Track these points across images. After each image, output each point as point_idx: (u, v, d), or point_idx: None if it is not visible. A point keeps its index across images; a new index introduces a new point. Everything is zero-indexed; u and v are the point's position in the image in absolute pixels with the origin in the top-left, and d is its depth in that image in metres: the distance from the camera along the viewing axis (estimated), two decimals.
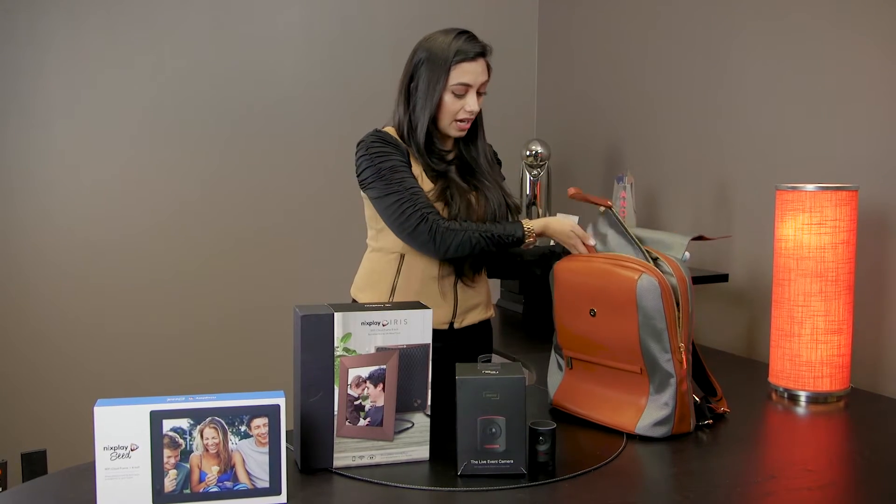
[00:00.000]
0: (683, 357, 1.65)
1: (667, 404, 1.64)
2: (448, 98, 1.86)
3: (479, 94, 1.89)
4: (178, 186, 3.07)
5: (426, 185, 1.88)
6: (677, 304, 1.65)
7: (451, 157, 1.94)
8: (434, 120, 1.88)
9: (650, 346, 1.63)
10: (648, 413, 1.65)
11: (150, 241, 3.05)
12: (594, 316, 1.69)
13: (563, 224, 1.87)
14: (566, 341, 1.79)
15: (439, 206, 1.86)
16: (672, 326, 1.63)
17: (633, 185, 2.73)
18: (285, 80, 3.19)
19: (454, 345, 1.95)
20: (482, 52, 1.88)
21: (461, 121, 1.88)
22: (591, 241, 1.83)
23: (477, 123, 1.97)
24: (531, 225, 1.88)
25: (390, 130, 1.93)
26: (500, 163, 2.09)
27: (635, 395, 1.67)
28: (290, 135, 3.21)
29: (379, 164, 1.83)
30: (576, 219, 2.92)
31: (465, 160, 1.97)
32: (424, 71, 1.86)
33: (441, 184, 1.89)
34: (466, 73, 1.85)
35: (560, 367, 1.83)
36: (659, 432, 1.64)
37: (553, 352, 1.86)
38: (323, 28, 3.23)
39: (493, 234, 1.83)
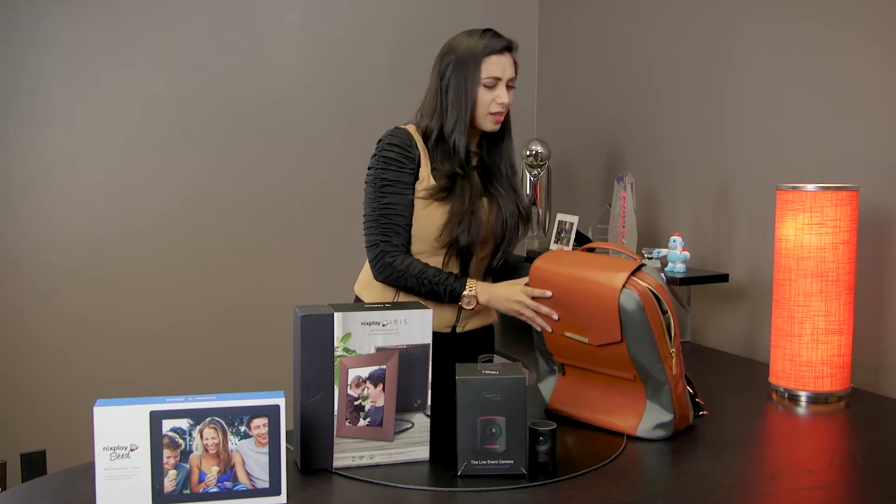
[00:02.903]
0: (674, 362, 1.63)
1: (665, 408, 1.63)
2: (480, 92, 1.86)
3: (509, 88, 1.90)
4: (179, 186, 3.07)
5: (430, 183, 1.86)
6: (662, 312, 1.61)
7: (475, 160, 1.93)
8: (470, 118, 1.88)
9: (639, 357, 1.61)
10: (648, 416, 1.64)
11: (150, 240, 3.05)
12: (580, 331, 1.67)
13: (510, 293, 1.79)
14: (556, 348, 1.76)
15: (426, 204, 1.84)
16: (660, 335, 1.60)
17: (633, 185, 2.73)
18: (285, 80, 3.19)
19: (456, 348, 1.95)
20: (509, 47, 1.89)
21: (495, 113, 1.88)
22: (553, 315, 1.72)
23: (504, 124, 1.96)
24: (474, 291, 1.84)
25: (412, 128, 1.92)
26: (515, 173, 2.08)
27: (633, 400, 1.66)
28: (290, 134, 3.21)
29: (378, 171, 1.87)
30: (575, 219, 2.93)
31: (486, 163, 1.96)
32: (455, 72, 1.87)
33: (446, 182, 1.86)
34: (496, 65, 1.86)
35: (553, 371, 1.81)
36: (659, 434, 1.63)
37: (540, 357, 1.82)
38: (323, 28, 3.23)
39: (430, 284, 1.84)
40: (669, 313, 1.62)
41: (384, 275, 1.86)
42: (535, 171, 3.14)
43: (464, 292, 1.84)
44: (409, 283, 1.84)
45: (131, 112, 2.99)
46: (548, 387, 1.81)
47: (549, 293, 1.71)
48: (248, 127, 3.15)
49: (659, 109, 2.88)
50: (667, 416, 1.63)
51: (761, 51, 2.45)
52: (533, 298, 1.75)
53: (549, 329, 1.74)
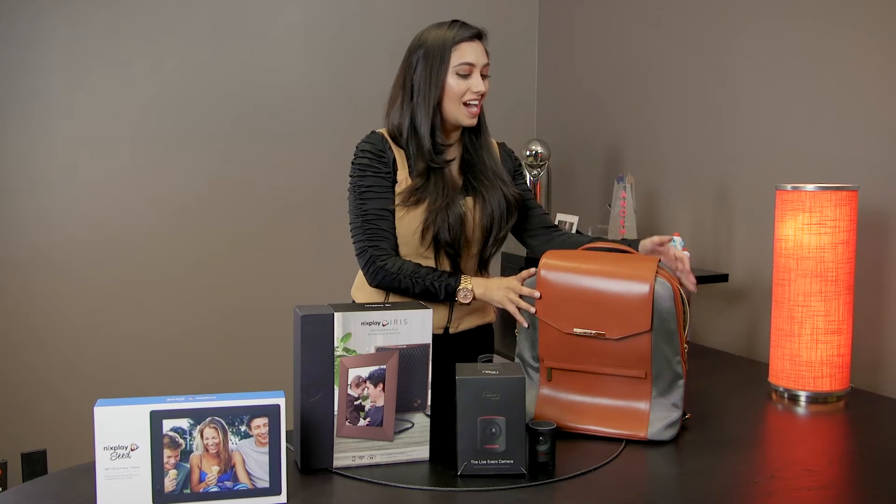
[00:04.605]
0: (685, 356, 1.65)
1: (675, 405, 1.63)
2: (452, 80, 1.84)
3: (484, 77, 1.87)
4: (179, 186, 3.08)
5: (410, 183, 1.86)
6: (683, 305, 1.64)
7: (450, 155, 1.91)
8: (439, 110, 1.86)
9: (663, 349, 1.61)
10: (657, 417, 1.62)
11: (150, 240, 3.05)
12: (597, 323, 1.64)
13: (500, 287, 1.78)
14: (551, 351, 1.69)
15: (401, 211, 1.84)
16: (681, 328, 1.62)
17: (633, 185, 2.73)
18: (285, 80, 3.19)
19: (451, 349, 1.92)
20: (479, 35, 1.88)
21: (470, 105, 1.85)
22: (531, 308, 1.71)
23: (480, 116, 1.94)
24: (470, 285, 1.82)
25: (385, 132, 1.91)
26: (520, 164, 2.08)
27: (633, 400, 1.64)
28: (289, 134, 3.21)
29: (356, 179, 1.87)
30: (575, 219, 2.93)
31: (469, 159, 1.94)
32: (423, 62, 1.85)
33: (417, 181, 1.85)
34: (468, 52, 1.84)
35: (534, 381, 1.73)
36: (670, 434, 1.62)
37: (522, 367, 1.72)
38: (323, 28, 3.23)
39: (424, 282, 1.82)
40: (687, 307, 1.63)
41: (377, 279, 1.85)
42: (535, 171, 3.14)
43: (459, 286, 1.82)
44: (403, 284, 1.83)
45: (131, 112, 2.99)
46: (529, 399, 1.70)
47: (537, 293, 1.68)
48: (249, 127, 3.15)
49: (659, 109, 2.88)
50: (675, 414, 1.62)
51: (761, 51, 2.45)
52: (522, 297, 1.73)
53: (526, 324, 1.72)
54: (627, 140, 3.06)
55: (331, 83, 3.25)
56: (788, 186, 1.97)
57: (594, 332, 1.64)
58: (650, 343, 1.61)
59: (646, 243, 1.89)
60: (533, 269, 1.73)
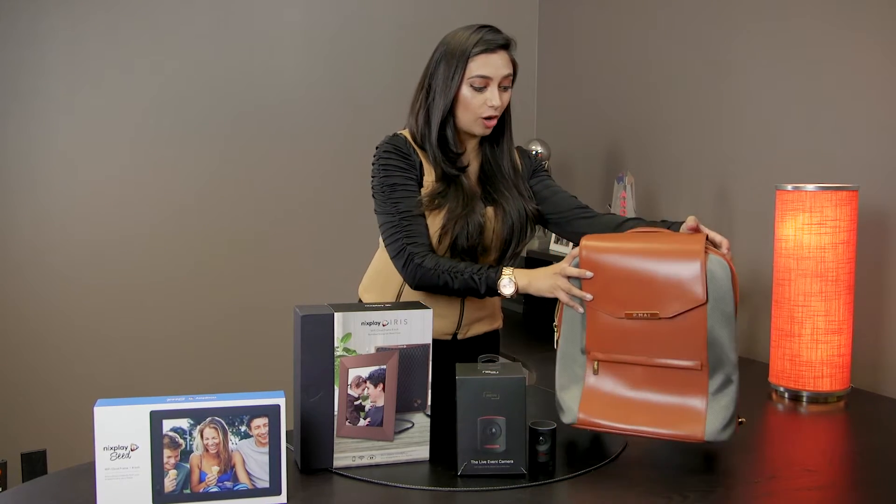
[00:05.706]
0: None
1: (727, 406, 1.50)
2: (467, 92, 1.79)
3: (504, 88, 1.82)
4: (179, 186, 3.07)
5: (433, 187, 1.82)
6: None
7: (465, 161, 1.87)
8: (454, 118, 1.82)
9: (719, 334, 1.49)
10: (713, 415, 1.49)
11: (150, 241, 3.05)
12: (648, 305, 1.50)
13: (546, 275, 1.67)
14: (598, 340, 1.55)
15: (430, 215, 1.80)
16: (736, 312, 1.51)
17: (633, 185, 2.73)
18: (285, 80, 3.19)
19: (458, 355, 1.89)
20: (504, 45, 1.80)
21: (486, 118, 1.81)
22: (587, 296, 1.57)
23: (504, 123, 1.89)
24: (512, 275, 1.71)
25: (408, 134, 1.88)
26: (543, 166, 2.01)
27: (688, 396, 1.51)
28: (290, 134, 3.21)
29: (382, 179, 1.81)
30: None
31: (488, 168, 1.90)
32: (442, 65, 1.80)
33: (439, 186, 1.81)
34: (485, 64, 1.77)
35: (578, 377, 1.59)
36: (727, 434, 1.50)
37: (564, 362, 1.61)
38: (323, 28, 3.23)
39: (464, 276, 1.73)
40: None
41: (416, 278, 1.76)
42: None
43: (500, 278, 1.71)
44: (442, 279, 1.74)
45: (131, 112, 2.99)
46: (573, 397, 1.58)
47: (589, 273, 1.55)
48: (249, 128, 3.15)
49: (659, 109, 2.88)
50: (731, 411, 1.49)
51: (761, 50, 2.45)
52: (570, 278, 1.61)
53: (581, 309, 1.58)
54: (627, 140, 3.06)
55: (331, 83, 3.25)
56: (789, 186, 1.97)
57: (647, 312, 1.50)
58: (706, 324, 1.48)
59: (683, 228, 1.74)
60: (576, 250, 1.61)
